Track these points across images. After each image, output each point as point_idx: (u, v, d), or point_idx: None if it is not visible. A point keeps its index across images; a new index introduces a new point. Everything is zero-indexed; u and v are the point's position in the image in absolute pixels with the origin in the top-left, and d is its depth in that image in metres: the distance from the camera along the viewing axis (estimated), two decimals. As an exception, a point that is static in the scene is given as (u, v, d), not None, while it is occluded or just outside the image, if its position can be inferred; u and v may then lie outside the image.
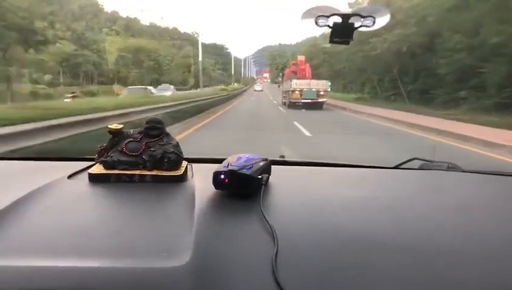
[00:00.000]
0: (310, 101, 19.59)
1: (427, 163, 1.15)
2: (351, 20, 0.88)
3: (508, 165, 6.16)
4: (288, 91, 20.89)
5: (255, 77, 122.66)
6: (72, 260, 0.51)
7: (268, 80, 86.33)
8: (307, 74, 23.35)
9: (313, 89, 19.84)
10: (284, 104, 22.85)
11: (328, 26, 0.87)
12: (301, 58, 26.68)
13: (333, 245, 0.60)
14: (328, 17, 0.87)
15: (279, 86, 34.08)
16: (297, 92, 19.86)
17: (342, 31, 0.89)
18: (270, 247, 0.56)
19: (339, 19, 0.87)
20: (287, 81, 22.59)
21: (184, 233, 0.59)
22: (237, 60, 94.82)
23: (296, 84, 20.26)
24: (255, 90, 52.15)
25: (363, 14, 0.88)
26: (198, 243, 0.56)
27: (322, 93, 19.82)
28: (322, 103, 19.98)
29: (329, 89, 20.59)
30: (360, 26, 0.87)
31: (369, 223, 0.70)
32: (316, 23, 0.88)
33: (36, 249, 0.55)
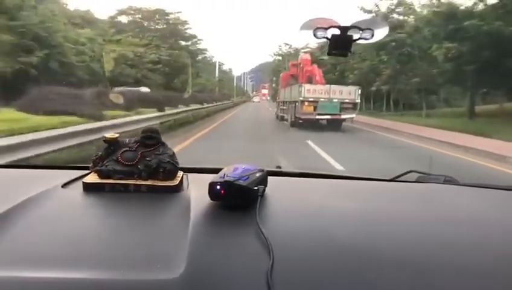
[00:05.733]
0: (329, 117, 13.60)
1: (423, 176, 1.15)
2: (349, 33, 0.88)
3: (505, 178, 6.05)
4: (294, 103, 14.27)
5: (250, 93, 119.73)
6: (64, 271, 0.50)
7: (268, 98, 68.17)
8: (316, 78, 15.58)
9: (335, 100, 13.42)
10: (281, 119, 16.71)
11: (327, 38, 0.88)
12: (305, 56, 18.20)
13: (329, 258, 0.60)
14: (326, 29, 0.87)
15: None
16: (308, 103, 13.39)
17: (340, 43, 0.89)
18: (266, 260, 0.56)
19: (337, 31, 0.87)
20: (291, 88, 15.78)
21: (178, 245, 0.58)
22: (226, 73, 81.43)
23: (309, 91, 13.59)
24: (253, 102, 68.86)
25: (362, 27, 0.89)
26: (193, 255, 0.55)
27: (348, 106, 13.60)
28: (343, 120, 13.82)
29: (358, 100, 13.96)
30: (359, 38, 0.88)
31: (365, 236, 0.69)
32: (315, 35, 0.88)
33: (27, 260, 0.54)
